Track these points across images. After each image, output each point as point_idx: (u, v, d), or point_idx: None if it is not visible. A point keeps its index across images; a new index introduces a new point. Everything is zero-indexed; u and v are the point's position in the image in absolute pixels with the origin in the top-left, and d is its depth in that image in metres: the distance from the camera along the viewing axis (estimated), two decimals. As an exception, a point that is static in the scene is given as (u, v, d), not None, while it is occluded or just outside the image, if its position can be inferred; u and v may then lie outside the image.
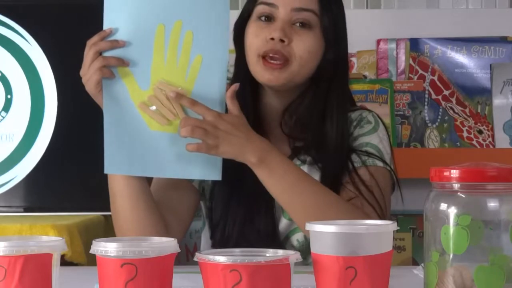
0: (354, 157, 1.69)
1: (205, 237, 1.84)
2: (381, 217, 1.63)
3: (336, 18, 1.69)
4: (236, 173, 1.63)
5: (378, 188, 1.66)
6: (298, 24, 1.65)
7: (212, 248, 1.75)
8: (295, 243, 1.71)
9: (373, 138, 1.72)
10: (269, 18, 1.65)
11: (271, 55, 1.63)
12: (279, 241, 1.68)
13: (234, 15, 1.67)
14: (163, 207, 1.67)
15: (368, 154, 1.69)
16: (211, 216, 1.75)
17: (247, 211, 1.67)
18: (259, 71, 1.65)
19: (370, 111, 1.81)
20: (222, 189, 1.70)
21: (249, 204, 1.67)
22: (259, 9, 1.66)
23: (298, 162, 1.69)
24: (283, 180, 1.55)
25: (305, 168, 1.69)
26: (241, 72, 1.71)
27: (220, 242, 1.70)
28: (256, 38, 1.65)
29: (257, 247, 1.67)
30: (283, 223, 1.71)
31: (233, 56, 1.73)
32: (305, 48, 1.64)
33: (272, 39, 1.62)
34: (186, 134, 1.49)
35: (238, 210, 1.67)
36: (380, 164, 1.69)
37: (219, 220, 1.71)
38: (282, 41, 1.62)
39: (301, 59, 1.64)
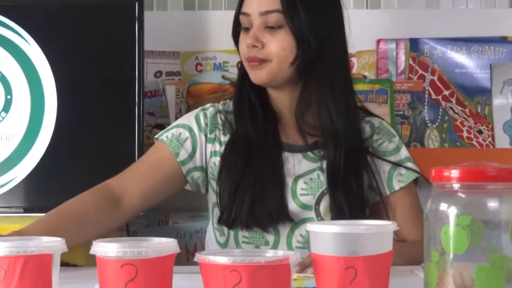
0: (397, 175, 1.78)
1: (209, 235, 1.85)
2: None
3: (306, 11, 1.74)
4: (245, 155, 1.74)
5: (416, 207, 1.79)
6: (269, 26, 1.75)
7: (218, 229, 1.79)
8: (304, 233, 1.74)
9: (404, 151, 1.83)
10: (248, 26, 1.77)
11: (250, 60, 1.76)
12: (291, 220, 1.72)
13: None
14: (134, 184, 1.75)
15: (408, 170, 1.79)
16: (219, 201, 1.77)
17: (256, 191, 1.72)
18: (248, 72, 1.78)
19: (382, 119, 1.90)
20: (231, 171, 1.75)
21: (259, 185, 1.73)
22: (240, 19, 1.79)
23: (315, 157, 1.77)
24: None
25: (324, 163, 1.76)
26: (242, 72, 1.83)
27: (227, 223, 1.73)
28: (242, 45, 1.79)
29: (268, 227, 1.71)
30: (293, 208, 1.74)
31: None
32: (279, 47, 1.74)
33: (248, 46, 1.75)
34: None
35: (247, 191, 1.72)
36: (417, 175, 1.81)
37: (227, 200, 1.73)
38: (255, 46, 1.74)
39: (279, 57, 1.74)
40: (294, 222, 1.73)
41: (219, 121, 1.81)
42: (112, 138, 2.15)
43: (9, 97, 2.17)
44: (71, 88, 2.16)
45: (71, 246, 1.43)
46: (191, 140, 1.79)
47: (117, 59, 2.17)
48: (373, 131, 1.82)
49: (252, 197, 1.70)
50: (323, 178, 1.75)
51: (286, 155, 1.77)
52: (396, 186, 1.78)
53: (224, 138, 1.79)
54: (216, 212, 1.78)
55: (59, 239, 1.18)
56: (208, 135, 1.80)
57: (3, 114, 2.16)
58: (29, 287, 1.12)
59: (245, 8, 1.76)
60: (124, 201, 1.73)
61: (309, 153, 1.77)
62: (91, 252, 1.13)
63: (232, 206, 1.72)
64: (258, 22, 1.74)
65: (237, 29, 1.80)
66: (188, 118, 1.83)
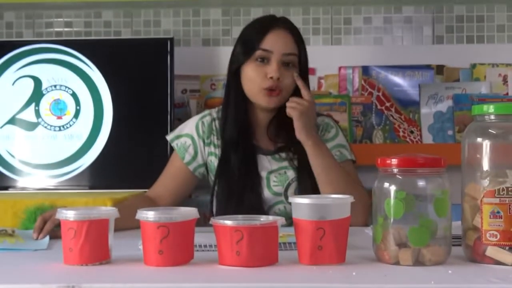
0: (334, 154, 1.71)
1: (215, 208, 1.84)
2: (363, 188, 1.71)
3: (305, 55, 1.72)
4: (234, 165, 1.68)
5: (354, 175, 1.74)
6: (286, 64, 1.67)
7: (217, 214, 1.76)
8: (277, 211, 1.71)
9: (340, 139, 1.77)
10: (263, 59, 1.67)
11: (270, 88, 1.66)
12: (263, 212, 1.67)
13: (227, 49, 1.69)
14: (163, 188, 1.75)
15: (341, 152, 1.74)
16: (213, 192, 1.75)
17: (238, 190, 1.67)
18: (262, 98, 1.68)
19: (328, 116, 1.85)
20: (224, 171, 1.71)
21: (239, 183, 1.68)
22: (258, 53, 1.67)
23: (280, 158, 1.73)
24: (325, 160, 1.63)
25: (286, 162, 1.72)
26: (233, 94, 1.72)
27: (219, 213, 1.70)
28: (257, 75, 1.66)
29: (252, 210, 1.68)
30: (267, 196, 1.70)
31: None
32: (290, 82, 1.68)
33: (271, 77, 1.65)
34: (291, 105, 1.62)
35: (231, 191, 1.68)
36: (349, 157, 1.76)
37: (220, 196, 1.71)
38: (278, 78, 1.65)
39: (288, 88, 1.68)
40: (268, 206, 1.69)
41: (214, 128, 1.76)
42: (152, 136, 2.14)
43: (78, 107, 2.16)
44: (123, 101, 2.16)
45: (125, 228, 1.41)
46: (193, 146, 1.76)
47: (155, 80, 2.16)
48: (319, 129, 1.76)
49: (240, 190, 1.66)
50: (288, 173, 1.71)
51: (261, 157, 1.72)
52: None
53: (218, 142, 1.75)
54: (214, 194, 1.75)
55: (113, 208, 1.17)
56: (205, 140, 1.76)
57: (74, 120, 2.16)
58: (92, 243, 1.12)
59: (267, 46, 1.65)
60: (159, 200, 1.74)
61: (277, 155, 1.73)
62: (136, 217, 1.12)
63: (226, 198, 1.68)
64: (279, 59, 1.65)
65: (243, 59, 1.68)
66: (191, 127, 1.78)
